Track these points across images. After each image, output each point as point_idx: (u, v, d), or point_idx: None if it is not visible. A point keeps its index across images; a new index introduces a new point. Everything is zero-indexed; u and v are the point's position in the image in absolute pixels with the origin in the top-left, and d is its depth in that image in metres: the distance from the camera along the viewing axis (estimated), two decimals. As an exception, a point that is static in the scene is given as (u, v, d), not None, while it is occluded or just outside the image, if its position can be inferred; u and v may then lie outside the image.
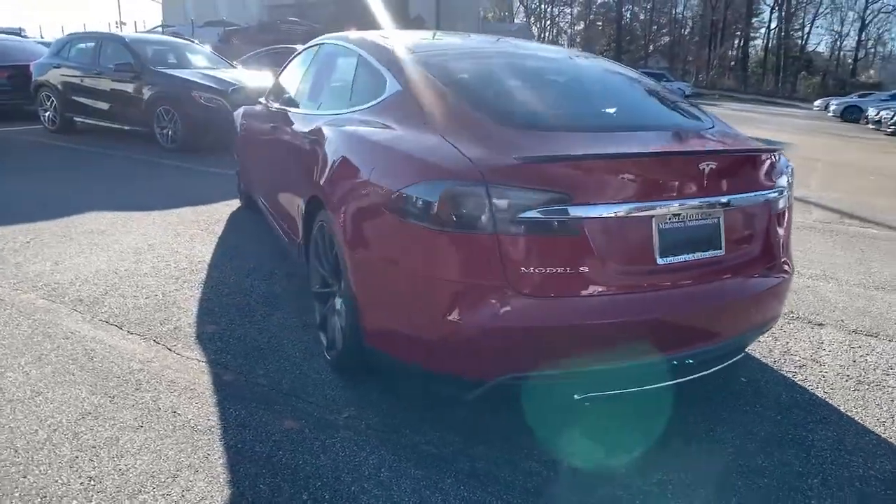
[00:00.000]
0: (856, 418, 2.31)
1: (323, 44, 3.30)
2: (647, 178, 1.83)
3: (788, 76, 50.77)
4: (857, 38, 51.44)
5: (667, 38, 63.32)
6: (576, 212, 1.73)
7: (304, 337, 2.80)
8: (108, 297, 3.17)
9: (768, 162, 2.08)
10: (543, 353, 1.79)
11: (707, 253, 1.95)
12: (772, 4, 51.64)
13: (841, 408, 2.37)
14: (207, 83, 7.56)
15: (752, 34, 54.30)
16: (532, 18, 64.96)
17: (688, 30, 61.46)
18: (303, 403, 2.26)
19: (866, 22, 51.36)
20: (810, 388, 2.51)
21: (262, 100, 4.02)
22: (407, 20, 28.82)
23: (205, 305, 3.12)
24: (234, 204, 5.21)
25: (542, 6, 69.28)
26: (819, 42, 52.91)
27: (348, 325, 2.19)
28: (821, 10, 52.30)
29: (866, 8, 50.82)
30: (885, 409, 2.39)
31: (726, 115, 11.97)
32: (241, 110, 4.83)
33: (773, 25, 52.95)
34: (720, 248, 1.98)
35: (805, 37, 53.31)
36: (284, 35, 16.86)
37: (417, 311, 1.86)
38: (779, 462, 2.01)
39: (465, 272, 1.75)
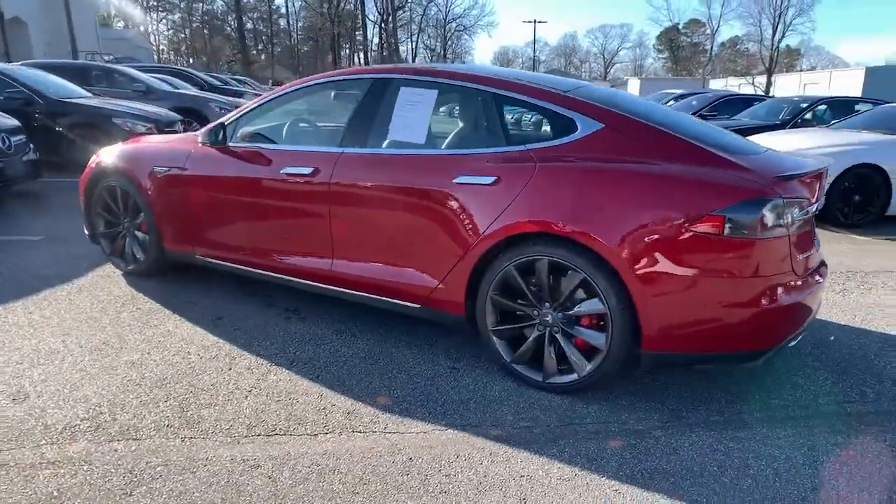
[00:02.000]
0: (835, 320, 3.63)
1: (392, 79, 3.01)
2: (813, 185, 2.64)
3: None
4: (442, 52, 62.71)
5: (278, 49, 65.40)
6: (811, 210, 2.46)
7: (483, 377, 2.79)
8: (192, 410, 2.47)
9: None
10: (802, 317, 2.49)
11: (815, 237, 2.91)
12: (376, 21, 58.71)
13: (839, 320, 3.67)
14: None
15: (365, 47, 60.55)
16: (128, 24, 58.67)
17: (297, 39, 64.64)
18: (588, 426, 2.42)
19: (447, 38, 63.19)
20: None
21: (228, 142, 3.40)
22: (1, 21, 23.40)
23: (328, 383, 2.72)
24: (107, 273, 4.10)
25: (142, 11, 63.39)
26: (418, 55, 62.16)
27: (618, 341, 2.42)
28: (418, 27, 62.02)
29: (445, 26, 62.61)
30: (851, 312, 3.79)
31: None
32: (142, 152, 3.80)
33: (379, 40, 60.15)
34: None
35: (413, 52, 62.38)
36: None
37: (728, 307, 2.30)
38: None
39: (775, 267, 2.31)
